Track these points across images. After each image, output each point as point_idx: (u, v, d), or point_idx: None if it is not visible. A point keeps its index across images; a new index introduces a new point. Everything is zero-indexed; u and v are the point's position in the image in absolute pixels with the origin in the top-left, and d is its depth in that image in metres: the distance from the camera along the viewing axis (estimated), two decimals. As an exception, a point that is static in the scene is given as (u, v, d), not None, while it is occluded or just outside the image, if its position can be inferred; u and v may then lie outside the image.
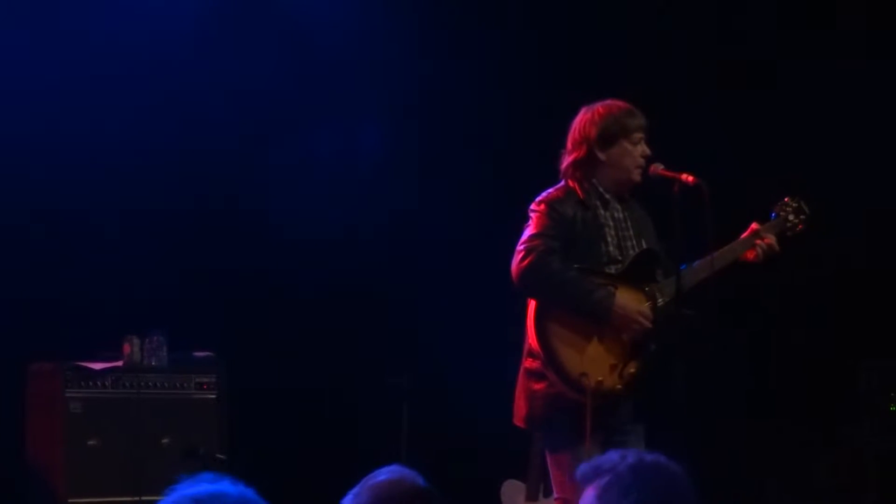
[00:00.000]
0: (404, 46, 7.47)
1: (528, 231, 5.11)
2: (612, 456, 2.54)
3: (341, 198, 7.43)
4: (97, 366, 6.51)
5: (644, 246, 5.21)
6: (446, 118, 7.56)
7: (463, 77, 7.57)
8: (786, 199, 5.43)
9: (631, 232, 5.22)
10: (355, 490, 2.79)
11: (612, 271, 5.14)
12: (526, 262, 5.04)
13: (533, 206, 5.17)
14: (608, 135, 5.16)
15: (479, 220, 7.29)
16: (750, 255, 5.28)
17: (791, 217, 5.41)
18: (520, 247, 5.09)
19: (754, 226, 5.33)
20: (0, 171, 6.73)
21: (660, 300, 5.10)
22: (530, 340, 5.08)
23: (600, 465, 2.52)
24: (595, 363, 5.02)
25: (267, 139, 7.37)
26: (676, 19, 7.60)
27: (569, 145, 5.24)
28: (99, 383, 6.50)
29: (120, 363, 6.58)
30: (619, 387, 5.01)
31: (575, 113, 5.25)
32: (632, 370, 5.03)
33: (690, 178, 5.07)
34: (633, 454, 2.53)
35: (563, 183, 5.23)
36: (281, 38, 7.35)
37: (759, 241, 5.26)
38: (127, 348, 6.62)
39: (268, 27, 7.34)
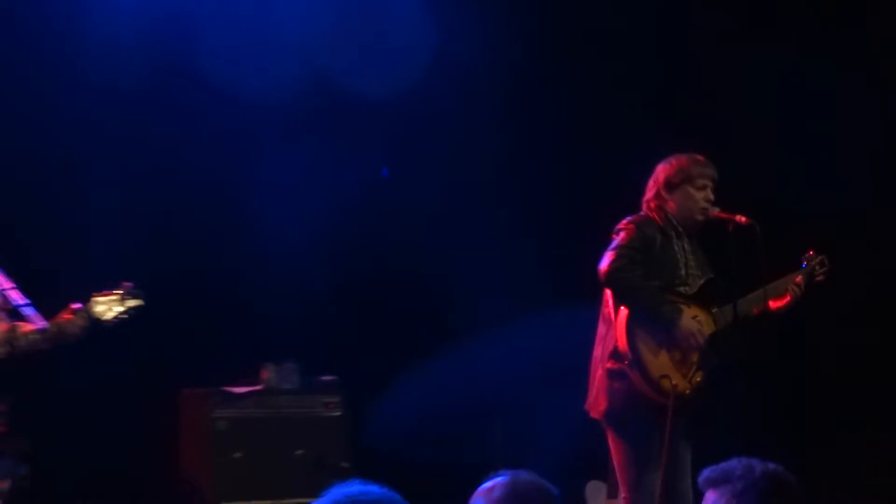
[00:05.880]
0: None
1: (618, 241, 5.59)
2: (735, 464, 2.54)
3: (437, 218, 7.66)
4: (240, 390, 6.87)
5: (710, 275, 5.77)
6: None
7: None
8: (811, 253, 5.99)
9: (694, 264, 5.76)
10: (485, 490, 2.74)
11: (684, 291, 5.68)
12: (617, 263, 5.51)
13: (620, 226, 5.66)
14: (675, 181, 5.73)
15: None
16: (787, 296, 5.83)
17: (817, 268, 5.98)
18: (611, 251, 5.55)
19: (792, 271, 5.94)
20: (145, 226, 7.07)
21: (722, 322, 5.66)
22: (619, 344, 5.53)
23: (731, 471, 2.53)
24: (672, 369, 5.53)
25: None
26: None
27: (648, 185, 5.86)
28: (242, 404, 6.84)
29: (259, 387, 6.93)
30: (688, 392, 5.53)
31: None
32: (698, 379, 5.57)
33: (744, 219, 5.62)
34: (757, 463, 2.54)
35: (643, 212, 5.78)
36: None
37: (793, 284, 5.86)
38: (265, 374, 6.98)
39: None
